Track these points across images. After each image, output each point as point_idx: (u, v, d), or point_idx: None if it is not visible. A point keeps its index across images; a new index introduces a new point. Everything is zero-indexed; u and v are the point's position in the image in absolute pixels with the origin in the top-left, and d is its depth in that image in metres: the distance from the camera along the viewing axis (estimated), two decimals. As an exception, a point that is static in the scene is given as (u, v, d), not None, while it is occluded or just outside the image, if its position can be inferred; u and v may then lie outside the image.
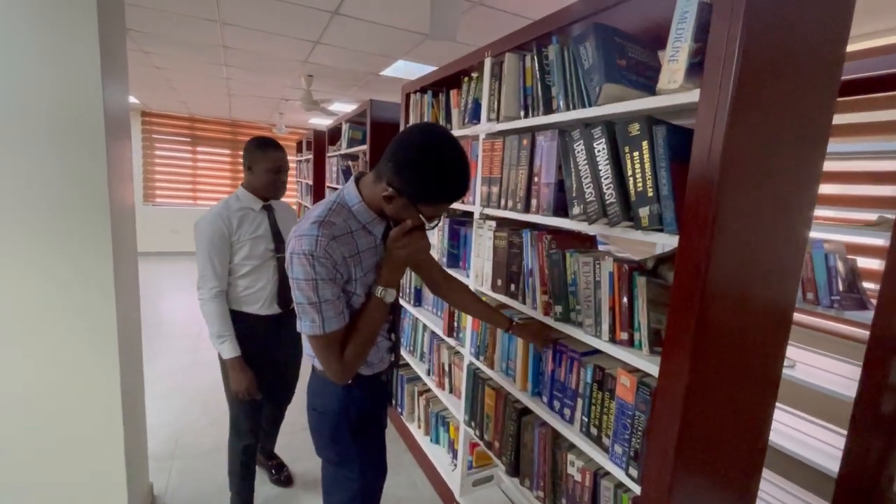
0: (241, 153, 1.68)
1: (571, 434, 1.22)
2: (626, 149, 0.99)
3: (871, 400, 1.46)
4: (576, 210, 1.14)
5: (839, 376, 1.71)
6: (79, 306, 1.37)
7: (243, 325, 1.59)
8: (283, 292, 1.68)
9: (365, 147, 3.05)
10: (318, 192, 5.19)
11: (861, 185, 1.99)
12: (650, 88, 1.07)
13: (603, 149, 1.04)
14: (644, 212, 0.96)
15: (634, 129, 0.97)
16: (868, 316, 1.52)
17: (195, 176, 7.40)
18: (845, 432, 1.55)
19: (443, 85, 2.04)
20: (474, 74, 1.73)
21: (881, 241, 1.91)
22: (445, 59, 3.07)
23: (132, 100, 5.93)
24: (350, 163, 3.48)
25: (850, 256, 1.65)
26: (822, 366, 1.80)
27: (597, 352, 1.22)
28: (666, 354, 0.92)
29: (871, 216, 1.69)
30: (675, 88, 0.88)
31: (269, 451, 2.10)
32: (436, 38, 1.68)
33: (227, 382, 1.65)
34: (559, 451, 1.30)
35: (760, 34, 0.80)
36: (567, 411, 1.26)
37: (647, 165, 0.95)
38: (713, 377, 0.94)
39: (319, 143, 5.07)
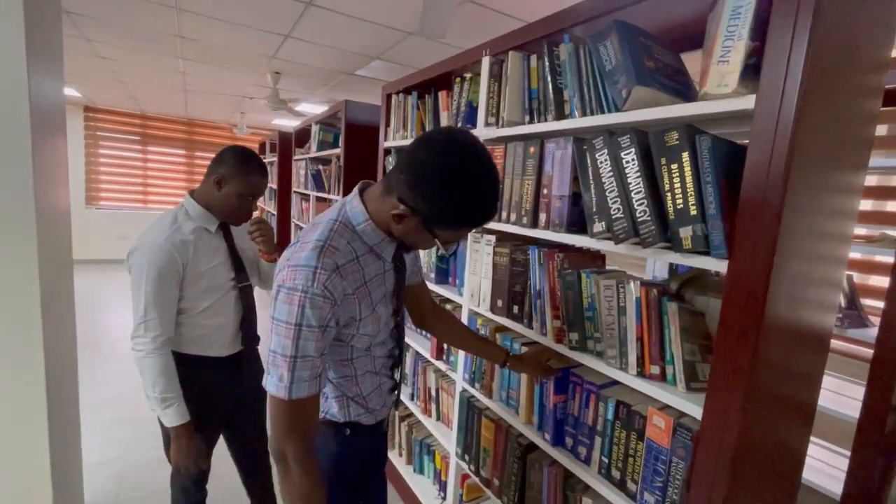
0: (207, 156, 1.33)
1: (588, 476, 1.09)
2: (663, 160, 0.87)
3: (876, 420, 1.43)
4: (597, 227, 1.02)
5: (837, 394, 1.68)
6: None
7: (197, 370, 1.29)
8: (246, 327, 1.38)
9: (338, 151, 2.85)
10: (282, 197, 4.91)
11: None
12: (680, 93, 0.97)
13: (633, 160, 0.92)
14: (686, 232, 0.84)
15: (672, 138, 0.86)
16: (867, 334, 1.50)
17: (146, 177, 6.86)
18: (847, 452, 1.52)
19: (429, 86, 1.89)
20: (467, 75, 1.59)
21: (869, 258, 1.93)
22: (425, 61, 2.93)
23: (73, 93, 5.41)
24: (321, 167, 3.27)
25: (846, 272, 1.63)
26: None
27: (615, 382, 1.11)
28: (712, 397, 0.81)
29: (869, 231, 1.68)
30: (726, 93, 0.77)
31: None
32: (426, 36, 1.53)
33: (166, 435, 1.32)
34: (572, 493, 1.17)
35: (826, 33, 0.71)
36: (582, 450, 1.13)
37: (689, 180, 0.84)
38: (763, 419, 0.84)
39: (285, 146, 4.80)
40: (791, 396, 0.90)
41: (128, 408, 2.65)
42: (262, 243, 1.43)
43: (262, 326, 1.17)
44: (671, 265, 2.14)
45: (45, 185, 1.20)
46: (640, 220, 0.91)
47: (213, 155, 1.35)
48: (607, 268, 1.26)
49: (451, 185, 0.71)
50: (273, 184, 5.05)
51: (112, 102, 6.03)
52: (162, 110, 6.40)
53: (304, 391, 0.73)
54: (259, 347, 1.45)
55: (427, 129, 1.86)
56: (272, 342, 0.73)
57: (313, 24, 2.42)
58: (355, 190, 0.86)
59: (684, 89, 1.00)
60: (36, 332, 1.16)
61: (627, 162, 0.93)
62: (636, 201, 0.92)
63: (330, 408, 0.90)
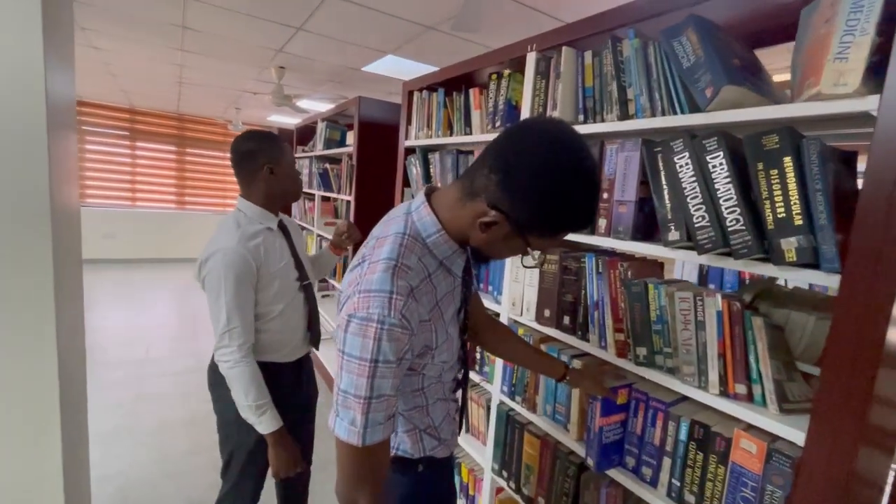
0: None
1: (655, 499, 1.02)
2: (759, 165, 0.81)
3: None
4: (673, 235, 0.95)
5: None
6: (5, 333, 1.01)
7: (268, 378, 1.23)
8: (313, 327, 1.38)
9: (349, 149, 2.75)
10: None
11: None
12: (765, 92, 0.91)
13: (721, 164, 0.86)
14: (789, 244, 0.78)
15: (771, 141, 0.79)
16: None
17: (134, 174, 6.63)
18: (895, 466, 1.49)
19: (457, 83, 1.81)
20: (505, 72, 1.52)
21: None
22: (441, 57, 2.84)
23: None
24: (327, 165, 3.16)
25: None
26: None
27: (683, 399, 1.05)
28: (820, 421, 0.75)
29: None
30: (846, 93, 0.71)
31: None
32: (460, 29, 1.45)
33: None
34: (634, 516, 1.11)
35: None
36: (647, 471, 1.06)
37: (793, 186, 0.77)
38: (868, 445, 0.78)
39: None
40: (889, 420, 0.85)
41: (128, 418, 2.52)
42: (352, 243, 1.52)
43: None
44: (701, 270, 2.10)
45: (58, 182, 1.09)
46: (730, 229, 0.85)
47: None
48: (665, 277, 1.20)
49: (562, 185, 0.62)
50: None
51: (100, 96, 5.81)
52: (153, 105, 6.20)
53: (378, 435, 0.63)
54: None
55: (456, 128, 1.78)
56: (342, 380, 0.63)
57: (329, 15, 2.32)
58: (420, 197, 0.76)
59: (768, 88, 0.94)
60: (49, 335, 1.06)
61: (714, 166, 0.87)
62: (726, 209, 0.85)
63: (401, 443, 0.80)
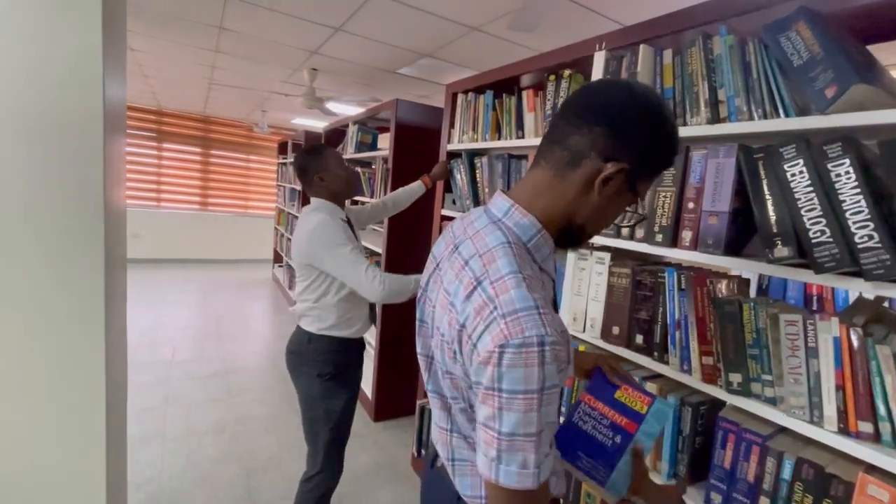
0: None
1: (749, 543, 0.92)
2: (901, 175, 0.71)
3: None
4: (781, 251, 0.86)
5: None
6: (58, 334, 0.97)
7: (340, 350, 1.47)
8: (373, 306, 1.61)
9: (384, 153, 2.70)
10: (307, 200, 4.73)
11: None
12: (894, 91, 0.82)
13: (848, 172, 0.76)
14: (940, 265, 0.68)
15: (917, 148, 0.70)
16: None
17: (160, 175, 6.71)
18: None
19: (508, 85, 1.74)
20: (565, 72, 1.44)
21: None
22: (480, 59, 2.78)
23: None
24: (359, 169, 3.10)
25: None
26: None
27: (781, 430, 0.95)
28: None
29: None
30: None
31: None
32: (518, 29, 1.38)
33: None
34: (719, 559, 1.00)
35: None
36: (738, 510, 0.96)
37: (946, 200, 0.68)
38: None
39: (311, 146, 4.64)
40: None
41: (157, 423, 2.48)
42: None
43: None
44: (759, 283, 1.97)
45: (111, 184, 1.05)
46: (861, 246, 0.75)
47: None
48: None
49: (659, 119, 0.63)
50: (296, 184, 4.89)
51: (130, 97, 5.89)
52: (180, 106, 6.26)
53: (548, 468, 0.56)
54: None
55: (505, 132, 1.71)
56: (503, 423, 0.53)
57: (372, 15, 2.26)
58: (505, 201, 0.66)
59: (894, 86, 0.84)
60: (98, 336, 1.02)
61: (839, 175, 0.78)
62: (855, 224, 0.76)
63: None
